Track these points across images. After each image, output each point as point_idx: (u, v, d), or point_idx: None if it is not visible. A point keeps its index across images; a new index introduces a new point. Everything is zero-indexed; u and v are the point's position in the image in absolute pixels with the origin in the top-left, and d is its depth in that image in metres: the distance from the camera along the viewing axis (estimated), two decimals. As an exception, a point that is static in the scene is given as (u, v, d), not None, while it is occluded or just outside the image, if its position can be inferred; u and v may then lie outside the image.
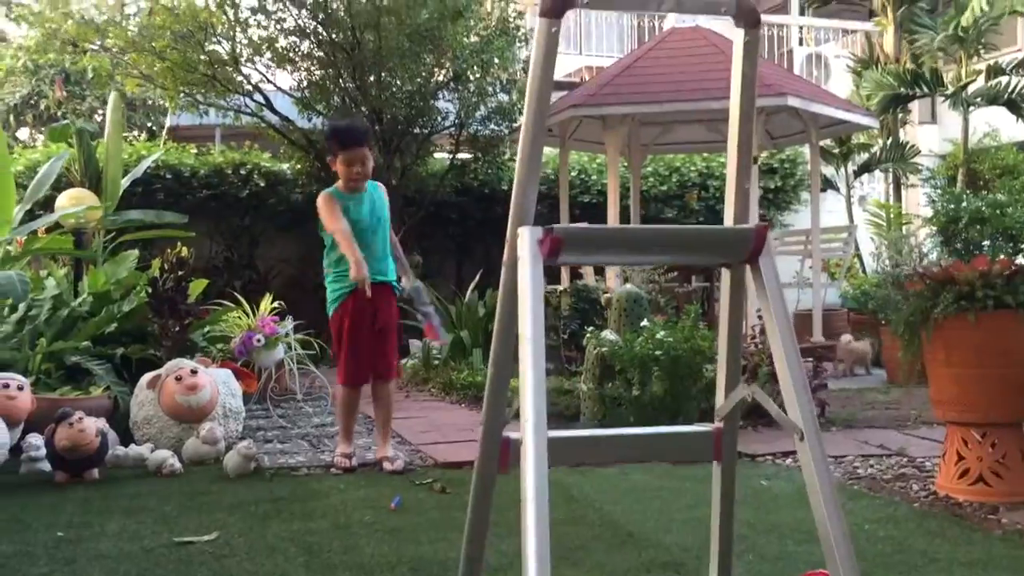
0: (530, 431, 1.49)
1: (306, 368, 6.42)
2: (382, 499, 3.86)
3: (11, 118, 16.91)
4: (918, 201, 11.83)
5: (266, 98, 9.21)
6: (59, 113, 15.90)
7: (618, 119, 8.07)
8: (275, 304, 7.26)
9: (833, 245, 9.76)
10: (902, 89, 10.34)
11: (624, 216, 9.41)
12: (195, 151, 10.42)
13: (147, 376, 5.11)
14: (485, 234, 10.90)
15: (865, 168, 11.30)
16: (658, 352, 4.99)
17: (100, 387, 5.26)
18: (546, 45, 1.44)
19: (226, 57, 8.58)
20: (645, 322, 5.58)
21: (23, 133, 17.12)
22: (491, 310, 7.82)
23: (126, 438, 5.02)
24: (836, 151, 11.11)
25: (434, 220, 10.25)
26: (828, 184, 11.29)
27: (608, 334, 5.35)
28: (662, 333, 5.08)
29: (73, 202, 6.65)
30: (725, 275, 1.90)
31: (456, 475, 4.31)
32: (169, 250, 5.70)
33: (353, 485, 4.17)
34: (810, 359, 7.03)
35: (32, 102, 17.27)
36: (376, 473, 4.41)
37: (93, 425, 4.32)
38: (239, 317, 7.04)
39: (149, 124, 12.64)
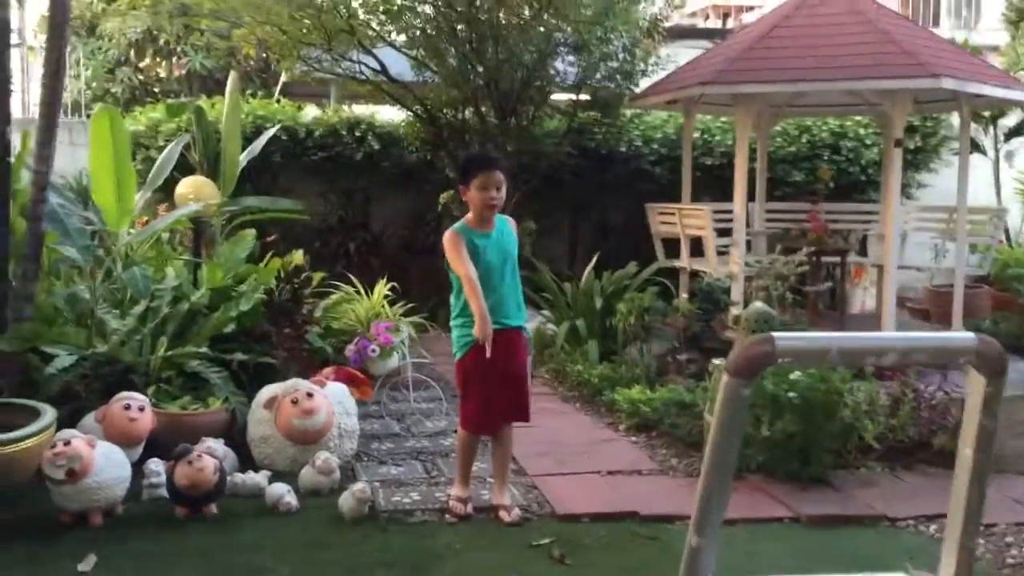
0: None
1: (421, 376, 6.28)
2: (500, 569, 3.74)
3: (132, 52, 17.08)
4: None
5: (381, 64, 8.97)
6: (179, 49, 16.00)
7: (750, 97, 7.54)
8: (388, 288, 7.19)
9: (978, 221, 9.03)
10: (1067, 47, 9.39)
11: (750, 179, 8.88)
12: (309, 108, 10.31)
13: (264, 395, 5.09)
14: (602, 195, 10.54)
15: (1016, 132, 10.40)
16: (791, 394, 4.67)
17: (218, 399, 5.27)
18: (734, 406, 1.18)
19: (340, 22, 8.34)
20: (776, 349, 5.24)
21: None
22: (607, 296, 7.55)
23: (242, 450, 5.05)
24: (985, 114, 10.24)
25: (548, 181, 9.93)
26: (974, 146, 10.44)
27: (736, 364, 5.04)
28: (797, 373, 4.75)
29: (192, 190, 6.62)
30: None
31: (574, 533, 4.15)
32: (286, 257, 5.61)
33: (468, 542, 4.05)
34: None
35: (153, 35, 17.38)
36: (491, 523, 4.28)
37: (212, 464, 4.31)
38: (354, 302, 7.00)
39: (264, 75, 12.57)
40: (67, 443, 4.12)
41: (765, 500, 4.55)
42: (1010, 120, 10.75)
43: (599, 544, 4.04)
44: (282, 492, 4.45)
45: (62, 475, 4.08)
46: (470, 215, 4.31)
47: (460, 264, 4.13)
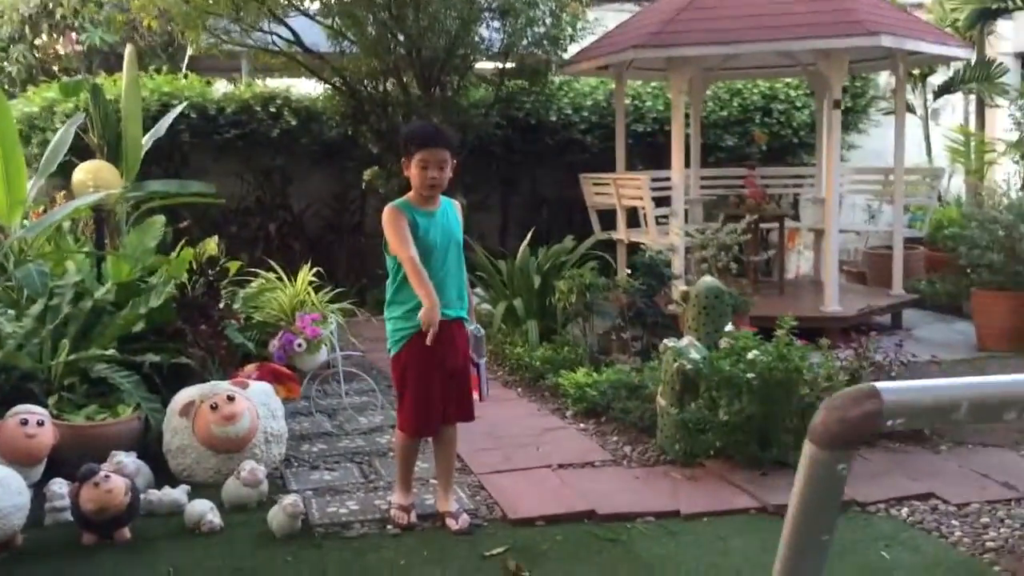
0: None
1: (352, 370, 5.86)
2: (450, 588, 3.39)
3: (27, 28, 16.05)
4: (1002, 124, 10.86)
5: (295, 34, 8.41)
6: (76, 23, 15.09)
7: (684, 60, 7.23)
8: (312, 273, 6.74)
9: (913, 181, 8.91)
10: (992, 4, 9.33)
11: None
12: (219, 83, 9.69)
13: (179, 401, 4.63)
14: (532, 166, 10.19)
15: (945, 89, 10.33)
16: (750, 375, 4.40)
17: (129, 406, 4.79)
18: (825, 489, 0.84)
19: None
20: (730, 326, 4.97)
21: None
22: (545, 274, 7.21)
23: (158, 462, 4.59)
24: (915, 72, 10.13)
25: (477, 153, 9.52)
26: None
27: (688, 345, 4.74)
28: (754, 352, 4.47)
29: (90, 176, 6.05)
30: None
31: (529, 539, 3.82)
32: (199, 246, 5.13)
33: (414, 556, 3.69)
34: (899, 339, 6.37)
35: (48, 9, 16.37)
36: (438, 532, 3.92)
37: (122, 484, 3.86)
38: (277, 290, 6.54)
39: (169, 49, 11.78)
40: (-49, 471, 3.63)
41: (728, 489, 4.28)
42: (937, 78, 10.69)
43: (557, 551, 3.72)
44: (204, 510, 4.01)
45: (-53, 507, 3.59)
46: (412, 193, 3.90)
47: (401, 245, 3.72)
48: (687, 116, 8.88)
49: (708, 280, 5.16)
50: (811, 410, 4.58)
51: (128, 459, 4.30)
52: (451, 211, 3.95)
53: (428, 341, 3.62)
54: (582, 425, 5.39)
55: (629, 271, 6.51)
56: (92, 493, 3.79)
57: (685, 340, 4.86)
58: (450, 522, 3.93)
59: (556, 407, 5.76)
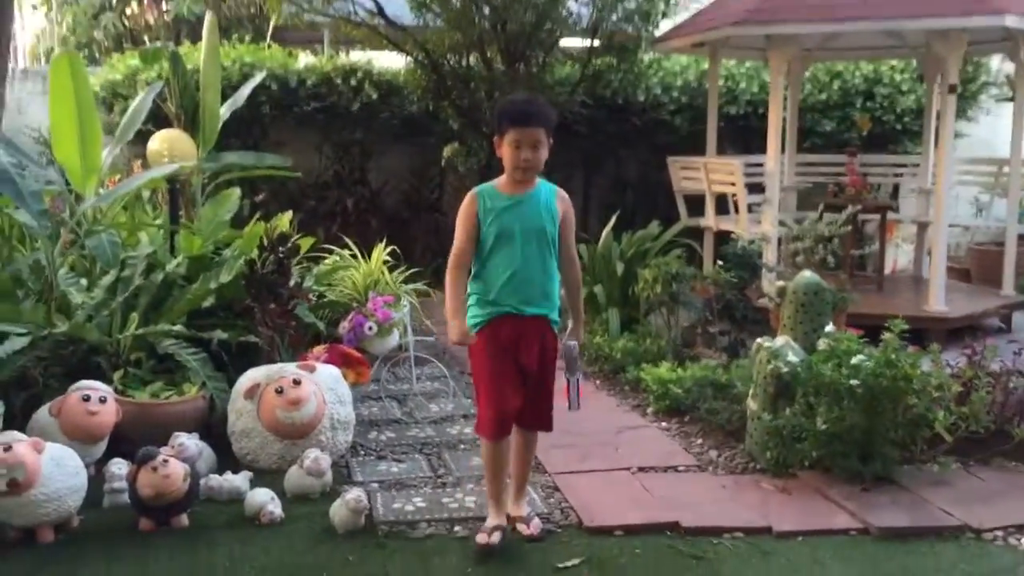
0: None
1: (423, 356, 5.64)
2: (520, 602, 3.13)
3: (115, -2, 16.17)
4: None
5: (378, 4, 8.20)
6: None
7: (786, 39, 6.78)
8: (387, 252, 6.53)
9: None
10: None
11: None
12: (302, 55, 9.55)
13: (244, 382, 4.46)
14: (616, 147, 9.84)
15: (1066, 75, 9.60)
16: (854, 382, 4.02)
17: (194, 384, 4.64)
18: None
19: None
20: (830, 327, 4.58)
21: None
22: (628, 260, 6.88)
23: (222, 443, 4.43)
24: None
25: (560, 132, 9.17)
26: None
27: (784, 345, 4.38)
28: (860, 357, 4.09)
29: (165, 145, 5.93)
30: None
31: (606, 550, 3.53)
32: (270, 224, 4.95)
33: (481, 563, 3.43)
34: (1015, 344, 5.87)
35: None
36: (508, 537, 3.65)
37: (180, 469, 3.69)
38: (351, 268, 6.36)
39: (256, 20, 11.71)
40: (8, 448, 3.49)
41: (824, 505, 3.93)
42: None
43: (636, 566, 3.42)
44: (264, 500, 3.82)
45: (3, 486, 3.46)
46: (504, 174, 3.61)
47: (457, 234, 3.52)
48: (784, 99, 8.42)
49: (807, 275, 4.78)
50: (921, 422, 4.21)
51: (190, 441, 4.14)
52: (548, 198, 3.57)
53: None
54: (664, 424, 5.07)
55: (720, 261, 6.13)
56: (149, 478, 3.63)
57: (780, 340, 4.49)
58: (521, 527, 3.67)
59: (636, 403, 5.45)
